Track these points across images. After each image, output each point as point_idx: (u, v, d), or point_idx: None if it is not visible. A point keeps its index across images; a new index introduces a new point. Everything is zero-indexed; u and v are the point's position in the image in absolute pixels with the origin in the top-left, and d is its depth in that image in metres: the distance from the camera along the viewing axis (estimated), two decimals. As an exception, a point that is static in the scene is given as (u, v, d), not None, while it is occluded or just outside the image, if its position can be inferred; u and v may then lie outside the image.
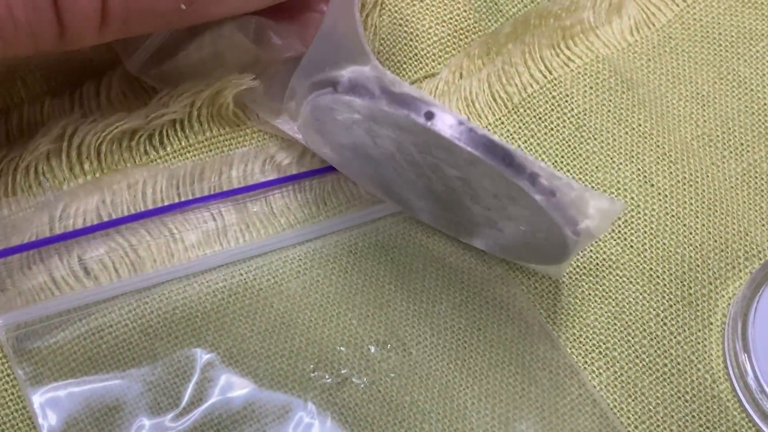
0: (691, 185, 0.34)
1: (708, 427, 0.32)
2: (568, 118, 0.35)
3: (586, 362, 0.32)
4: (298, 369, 0.31)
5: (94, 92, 0.34)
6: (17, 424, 0.30)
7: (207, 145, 0.34)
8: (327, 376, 0.31)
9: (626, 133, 0.35)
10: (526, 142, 0.35)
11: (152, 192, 0.33)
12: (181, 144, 0.34)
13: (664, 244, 0.34)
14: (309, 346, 0.32)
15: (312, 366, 0.32)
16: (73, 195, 0.32)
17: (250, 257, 0.33)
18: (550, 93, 0.35)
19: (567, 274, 0.33)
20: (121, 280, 0.32)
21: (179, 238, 0.32)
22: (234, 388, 0.31)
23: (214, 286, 0.32)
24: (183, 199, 0.33)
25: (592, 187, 0.34)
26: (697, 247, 0.34)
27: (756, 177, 0.35)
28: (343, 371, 0.32)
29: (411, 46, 0.36)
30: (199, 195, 0.33)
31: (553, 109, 0.35)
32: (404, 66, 0.36)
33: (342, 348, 0.32)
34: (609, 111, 0.35)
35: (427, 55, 0.36)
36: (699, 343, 0.33)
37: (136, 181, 0.33)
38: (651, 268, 0.33)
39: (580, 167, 0.34)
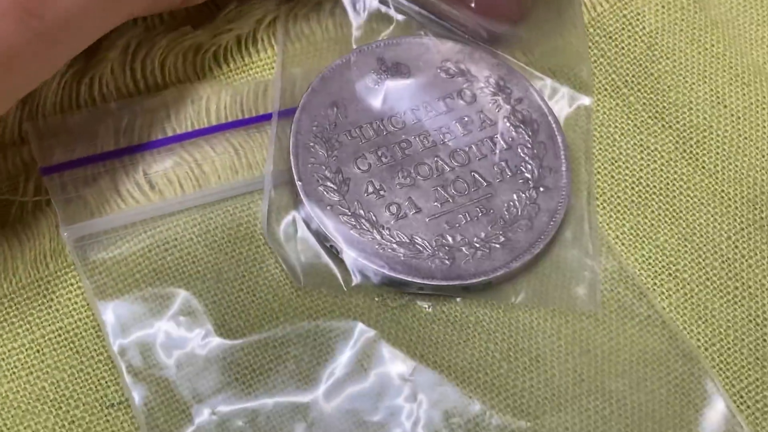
0: (764, 108, 0.34)
1: (780, 351, 0.31)
2: (640, 37, 0.34)
3: (655, 284, 0.32)
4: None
5: (158, 8, 0.34)
6: (80, 333, 0.30)
7: (269, 64, 0.34)
8: (390, 302, 0.31)
9: (699, 53, 0.34)
10: (596, 61, 0.34)
11: (216, 108, 0.32)
12: (244, 62, 0.33)
13: (736, 166, 0.33)
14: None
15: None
16: (136, 109, 0.32)
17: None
18: (621, 11, 0.34)
19: (636, 193, 0.32)
20: (186, 194, 0.31)
21: (243, 154, 0.32)
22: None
23: (278, 203, 0.32)
24: (247, 116, 0.33)
25: (664, 107, 0.33)
26: (769, 170, 0.33)
27: (830, 101, 0.34)
28: (406, 297, 0.31)
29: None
30: (263, 113, 0.33)
31: (623, 28, 0.34)
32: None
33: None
34: (681, 30, 0.34)
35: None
36: (771, 266, 0.32)
37: (200, 96, 0.32)
38: (722, 190, 0.33)
39: (652, 86, 0.34)
